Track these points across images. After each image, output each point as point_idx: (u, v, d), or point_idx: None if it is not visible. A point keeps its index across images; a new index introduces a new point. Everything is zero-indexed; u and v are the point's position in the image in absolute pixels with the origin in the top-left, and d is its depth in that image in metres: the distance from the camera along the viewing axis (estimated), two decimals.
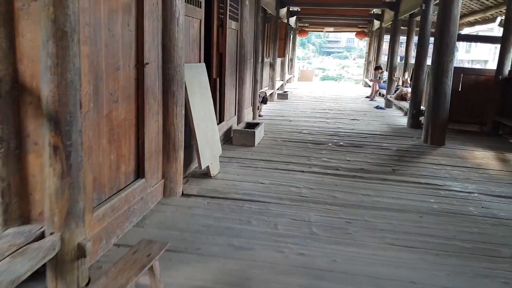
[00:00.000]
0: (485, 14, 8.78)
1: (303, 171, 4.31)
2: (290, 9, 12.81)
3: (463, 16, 8.78)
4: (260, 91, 8.29)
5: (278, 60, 13.21)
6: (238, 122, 6.24)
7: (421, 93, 7.19)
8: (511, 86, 6.72)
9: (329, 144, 5.66)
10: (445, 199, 3.69)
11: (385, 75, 11.65)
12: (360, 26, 16.60)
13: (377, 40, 14.59)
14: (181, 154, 3.30)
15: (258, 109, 7.71)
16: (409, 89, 8.95)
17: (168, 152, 3.19)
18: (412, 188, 3.93)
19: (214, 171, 3.90)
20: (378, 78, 11.90)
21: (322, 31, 19.22)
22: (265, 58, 10.74)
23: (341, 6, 10.97)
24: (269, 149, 5.23)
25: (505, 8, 7.42)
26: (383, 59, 13.18)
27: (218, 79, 5.22)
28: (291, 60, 16.44)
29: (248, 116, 7.20)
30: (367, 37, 16.49)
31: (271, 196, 3.49)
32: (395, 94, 9.04)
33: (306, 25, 17.01)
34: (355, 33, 17.05)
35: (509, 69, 6.76)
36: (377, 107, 9.92)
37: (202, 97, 3.91)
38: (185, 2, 3.64)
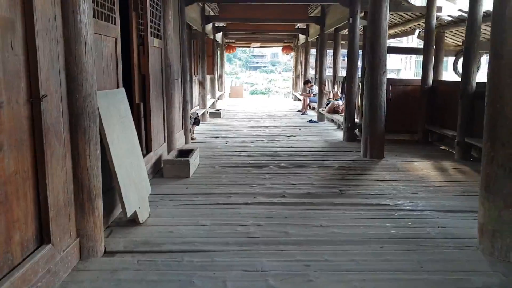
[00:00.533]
0: (404, 27, 9.15)
1: (247, 203, 3.85)
2: (216, 25, 12.50)
3: None
4: (191, 111, 7.76)
5: (208, 78, 12.78)
6: (169, 149, 5.64)
7: (354, 106, 7.16)
8: (435, 94, 6.93)
9: (271, 166, 5.29)
10: (400, 221, 3.46)
11: (315, 88, 11.74)
12: (286, 41, 16.80)
13: (304, 54, 14.81)
14: (99, 204, 2.67)
15: (190, 132, 7.17)
16: (340, 102, 9.01)
17: (82, 203, 2.55)
18: (364, 212, 3.66)
19: (143, 217, 3.29)
20: (308, 92, 11.95)
21: (249, 47, 19.22)
22: (194, 76, 10.25)
23: (266, 22, 10.87)
24: (207, 178, 4.71)
25: (423, 21, 7.74)
26: (311, 72, 13.33)
27: (141, 104, 4.62)
28: (221, 76, 16.10)
29: (180, 141, 6.62)
30: (293, 52, 16.71)
31: (215, 242, 2.97)
32: (327, 108, 9.03)
33: (233, 40, 16.84)
34: (281, 47, 17.22)
35: (431, 78, 6.98)
36: (311, 121, 9.86)
37: (123, 129, 3.31)
38: (95, 17, 3.04)
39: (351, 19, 6.82)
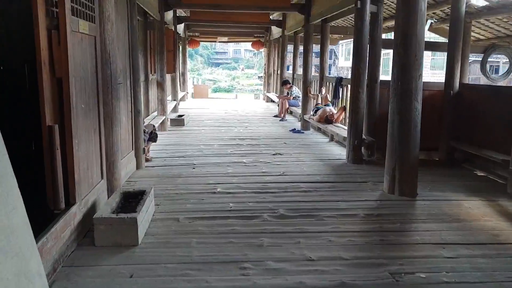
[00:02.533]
0: None
1: None
2: (178, 15, 10.52)
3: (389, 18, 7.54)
4: (146, 124, 5.83)
5: (168, 77, 10.82)
6: (110, 188, 3.74)
7: (362, 117, 5.53)
8: (465, 102, 5.44)
9: (264, 216, 3.52)
10: None
11: (295, 90, 10.08)
12: (257, 35, 15.03)
13: (278, 50, 13.12)
14: None
15: (144, 152, 5.26)
16: (333, 109, 7.39)
17: None
18: None
19: None
20: (287, 95, 10.27)
21: (215, 41, 17.29)
22: (151, 75, 8.27)
23: (240, 9, 9.05)
24: (167, 250, 2.87)
25: (440, 9, 6.23)
26: (288, 72, 11.65)
27: (55, 127, 2.70)
28: (183, 74, 14.10)
29: (128, 168, 4.71)
30: (264, 47, 14.98)
31: None
32: (316, 115, 7.37)
33: (197, 34, 14.84)
34: (251, 43, 15.44)
35: (458, 82, 5.49)
36: (294, 131, 8.18)
37: None
38: None
39: (359, 2, 5.16)
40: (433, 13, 6.45)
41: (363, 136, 5.58)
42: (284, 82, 10.24)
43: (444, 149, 5.53)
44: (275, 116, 10.43)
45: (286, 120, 9.83)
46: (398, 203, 3.95)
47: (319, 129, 8.24)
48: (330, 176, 4.91)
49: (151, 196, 3.48)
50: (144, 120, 7.22)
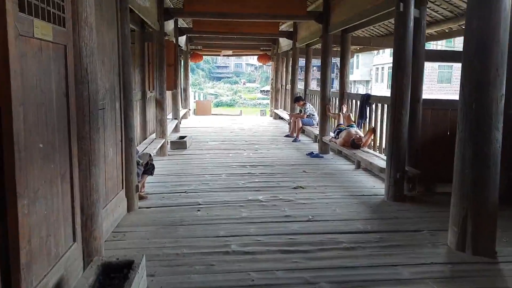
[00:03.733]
0: (447, 25, 6.70)
1: None
2: (179, 26, 9.64)
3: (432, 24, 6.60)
4: (140, 153, 4.84)
5: (169, 93, 9.90)
6: (87, 252, 2.73)
7: (405, 145, 4.53)
8: None
9: None
10: None
11: (309, 107, 9.11)
12: (263, 48, 14.15)
13: (288, 64, 12.23)
14: None
15: (138, 189, 4.25)
16: (359, 131, 6.40)
17: None
18: None
19: None
20: (300, 112, 9.31)
21: (218, 55, 16.41)
22: (149, 93, 7.33)
23: (247, 18, 8.14)
24: None
25: None
26: (299, 87, 10.69)
27: None
28: (185, 90, 13.16)
29: (116, 213, 3.70)
30: (271, 61, 14.08)
31: None
32: (340, 139, 6.37)
33: (199, 47, 13.97)
34: (257, 56, 14.54)
35: None
36: (312, 155, 7.18)
37: None
38: None
39: (402, 5, 4.21)
40: None
41: (405, 168, 4.57)
42: (297, 99, 9.27)
43: (505, 183, 4.52)
44: (287, 136, 9.44)
45: (300, 140, 8.84)
46: (477, 267, 2.91)
47: (339, 152, 7.25)
48: (372, 222, 3.88)
49: (140, 271, 2.46)
50: (140, 144, 6.24)
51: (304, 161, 6.72)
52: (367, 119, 6.39)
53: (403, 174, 4.51)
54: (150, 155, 4.84)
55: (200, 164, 6.34)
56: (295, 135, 9.07)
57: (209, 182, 5.28)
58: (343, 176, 5.71)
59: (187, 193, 4.75)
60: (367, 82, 46.46)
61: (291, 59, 11.02)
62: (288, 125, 10.30)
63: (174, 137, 8.32)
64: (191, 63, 19.13)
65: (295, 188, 5.03)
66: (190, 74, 19.72)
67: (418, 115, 4.75)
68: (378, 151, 5.92)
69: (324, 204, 4.38)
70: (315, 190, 4.92)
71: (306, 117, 8.97)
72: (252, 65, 73.19)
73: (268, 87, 58.76)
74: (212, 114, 15.48)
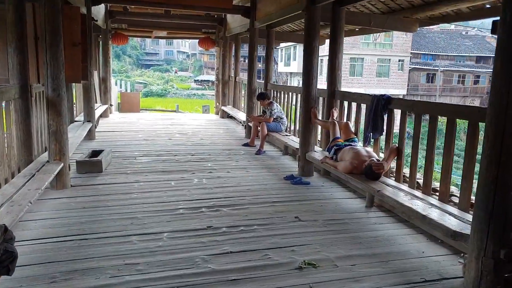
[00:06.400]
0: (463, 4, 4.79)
1: None
2: None
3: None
4: None
5: (79, 87, 7.08)
6: None
7: None
8: None
9: None
10: None
11: (276, 108, 6.85)
12: (206, 30, 11.54)
13: (239, 49, 9.82)
14: None
15: None
16: (371, 151, 4.30)
17: None
18: None
19: None
20: (263, 114, 7.03)
21: (149, 36, 13.41)
22: (35, 86, 4.56)
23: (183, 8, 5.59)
24: None
25: None
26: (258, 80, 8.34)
27: None
28: (104, 80, 10.15)
29: None
30: (215, 46, 11.54)
31: None
32: (344, 162, 4.19)
33: (124, 26, 10.98)
34: (198, 41, 11.90)
35: None
36: (293, 180, 4.93)
37: None
38: None
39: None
40: None
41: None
42: (261, 96, 6.92)
43: None
44: (246, 144, 7.11)
45: (265, 152, 6.57)
46: None
47: (326, 172, 5.13)
48: None
49: None
50: (14, 177, 3.55)
51: (287, 194, 4.46)
52: (383, 133, 4.28)
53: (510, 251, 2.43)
54: (5, 228, 2.22)
55: (123, 209, 3.79)
56: (257, 144, 6.79)
57: (138, 258, 2.80)
58: (358, 225, 3.55)
59: None
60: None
61: (244, 44, 8.63)
62: (242, 128, 7.97)
63: (85, 150, 5.60)
64: (113, 46, 15.90)
65: (299, 268, 2.75)
66: (113, 60, 16.48)
67: None
68: (407, 185, 3.84)
69: None
70: (337, 271, 2.69)
71: (273, 121, 6.71)
72: (184, 52, 69.08)
73: (203, 77, 55.57)
74: (142, 110, 12.58)
